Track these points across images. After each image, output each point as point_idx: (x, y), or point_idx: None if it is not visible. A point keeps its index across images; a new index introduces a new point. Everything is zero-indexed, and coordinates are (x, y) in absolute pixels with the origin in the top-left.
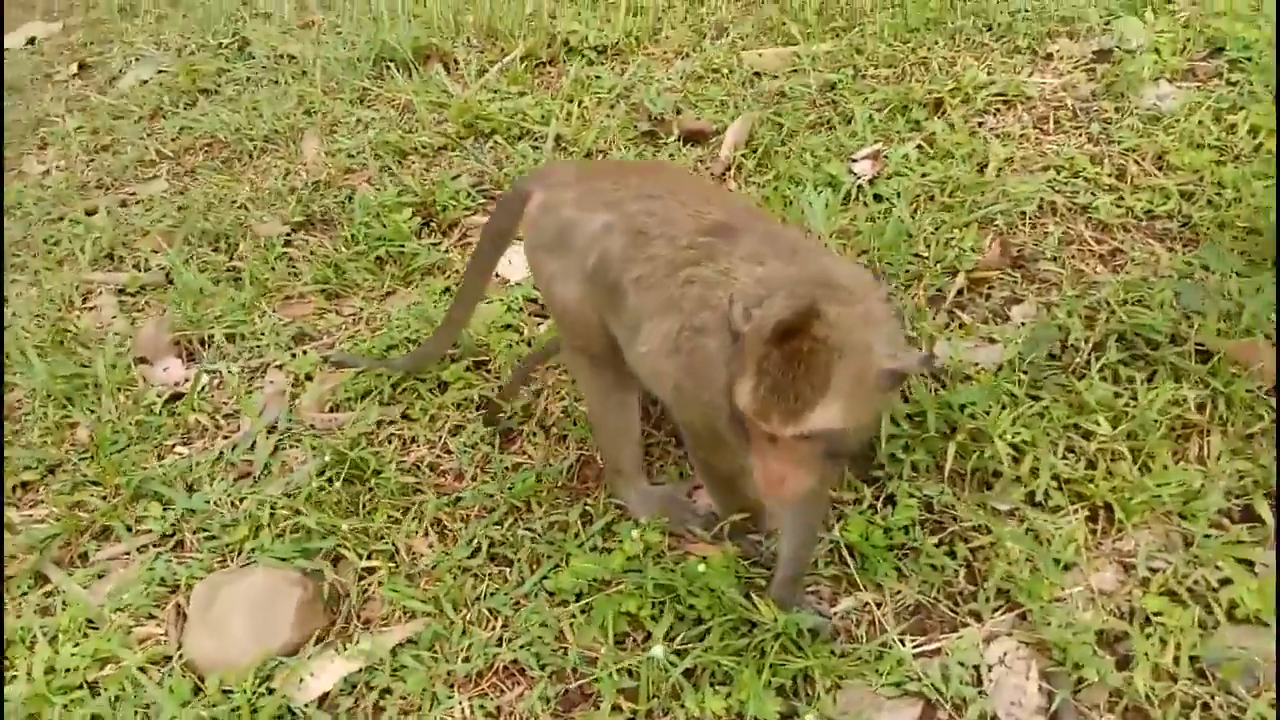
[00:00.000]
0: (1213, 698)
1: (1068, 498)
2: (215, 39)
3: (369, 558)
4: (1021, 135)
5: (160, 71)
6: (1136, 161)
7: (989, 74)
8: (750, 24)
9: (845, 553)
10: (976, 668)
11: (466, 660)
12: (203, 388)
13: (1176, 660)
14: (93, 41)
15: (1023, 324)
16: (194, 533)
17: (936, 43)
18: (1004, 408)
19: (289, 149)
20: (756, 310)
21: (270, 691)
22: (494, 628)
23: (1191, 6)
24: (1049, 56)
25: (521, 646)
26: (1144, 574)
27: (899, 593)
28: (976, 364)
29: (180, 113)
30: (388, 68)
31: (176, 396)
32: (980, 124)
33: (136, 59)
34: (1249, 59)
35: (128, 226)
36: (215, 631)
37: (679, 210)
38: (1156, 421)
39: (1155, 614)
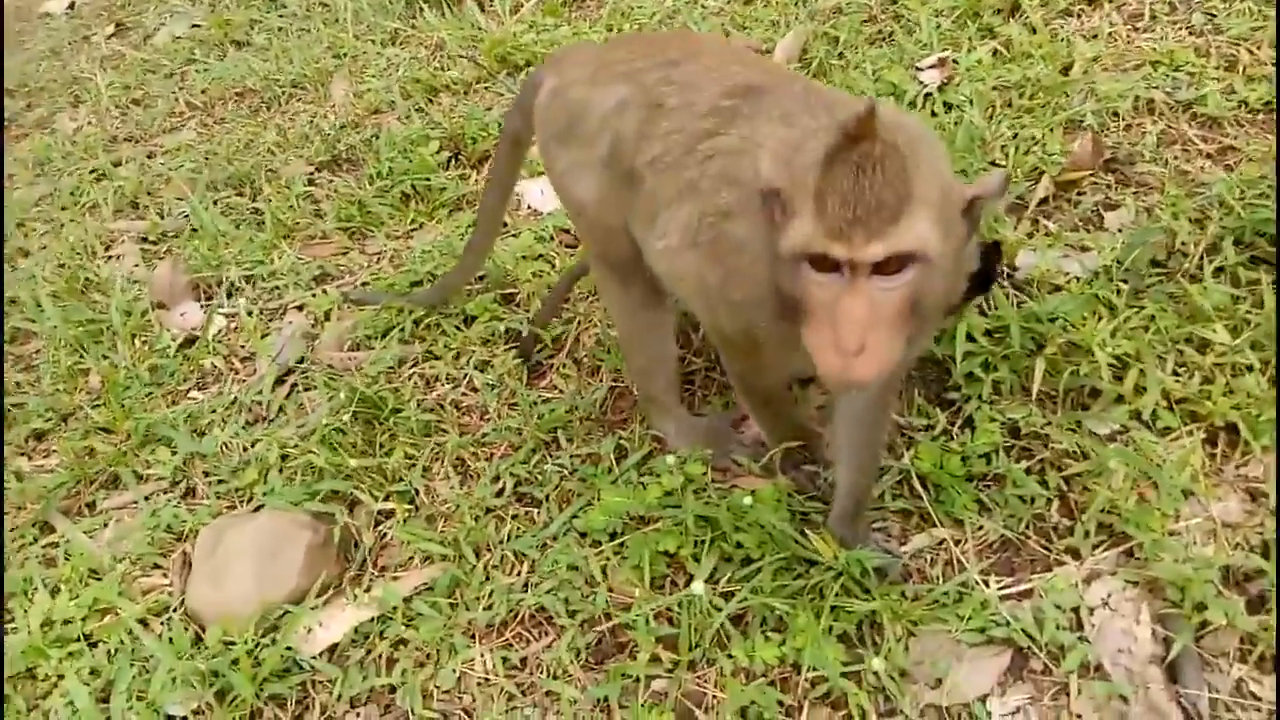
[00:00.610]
0: None
1: (1180, 418)
2: None
3: (385, 499)
4: (1111, 34)
5: (194, 26)
6: (1250, 50)
7: None
8: None
9: (917, 484)
10: (1075, 610)
11: (489, 608)
12: (219, 331)
13: None
14: (130, 3)
15: (1120, 230)
16: (203, 478)
17: None
18: (1100, 319)
19: (318, 93)
20: (793, 159)
21: (274, 643)
22: (519, 572)
23: None
24: None
25: (548, 591)
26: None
27: (981, 528)
28: (1067, 274)
29: (211, 64)
30: (421, 9)
31: (192, 341)
32: (1062, 25)
33: (171, 15)
34: None
35: (153, 176)
36: (217, 579)
37: (702, 75)
38: None
39: None
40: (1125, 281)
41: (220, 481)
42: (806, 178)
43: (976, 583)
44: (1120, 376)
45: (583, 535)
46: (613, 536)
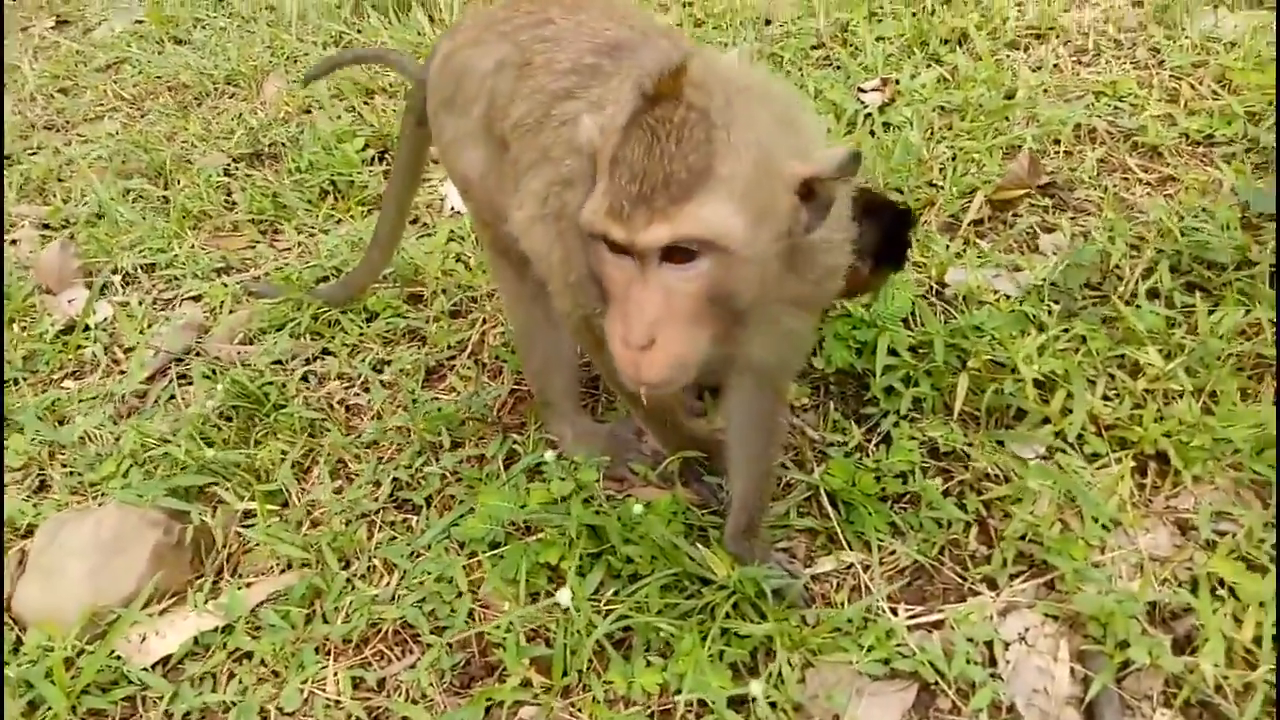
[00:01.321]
0: None
1: (1109, 444)
2: None
3: (250, 499)
4: (1056, 65)
5: (137, 22)
6: (1192, 85)
7: (1020, 11)
8: None
9: (826, 503)
10: (989, 645)
11: (346, 621)
12: (105, 320)
13: (1257, 641)
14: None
15: (1054, 252)
16: (59, 470)
17: None
18: (1028, 336)
19: (250, 90)
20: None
21: (98, 651)
22: (386, 583)
23: None
24: None
25: (414, 604)
26: (1208, 536)
27: (893, 552)
28: (997, 292)
29: (146, 58)
30: (367, 14)
31: (73, 329)
32: (1008, 56)
33: (113, 10)
34: None
35: (64, 162)
36: (48, 578)
37: (573, 31)
38: (1222, 355)
39: (1225, 582)
40: (1057, 302)
41: (74, 474)
42: (607, 143)
43: (883, 610)
44: (1047, 399)
45: (462, 546)
46: (493, 547)
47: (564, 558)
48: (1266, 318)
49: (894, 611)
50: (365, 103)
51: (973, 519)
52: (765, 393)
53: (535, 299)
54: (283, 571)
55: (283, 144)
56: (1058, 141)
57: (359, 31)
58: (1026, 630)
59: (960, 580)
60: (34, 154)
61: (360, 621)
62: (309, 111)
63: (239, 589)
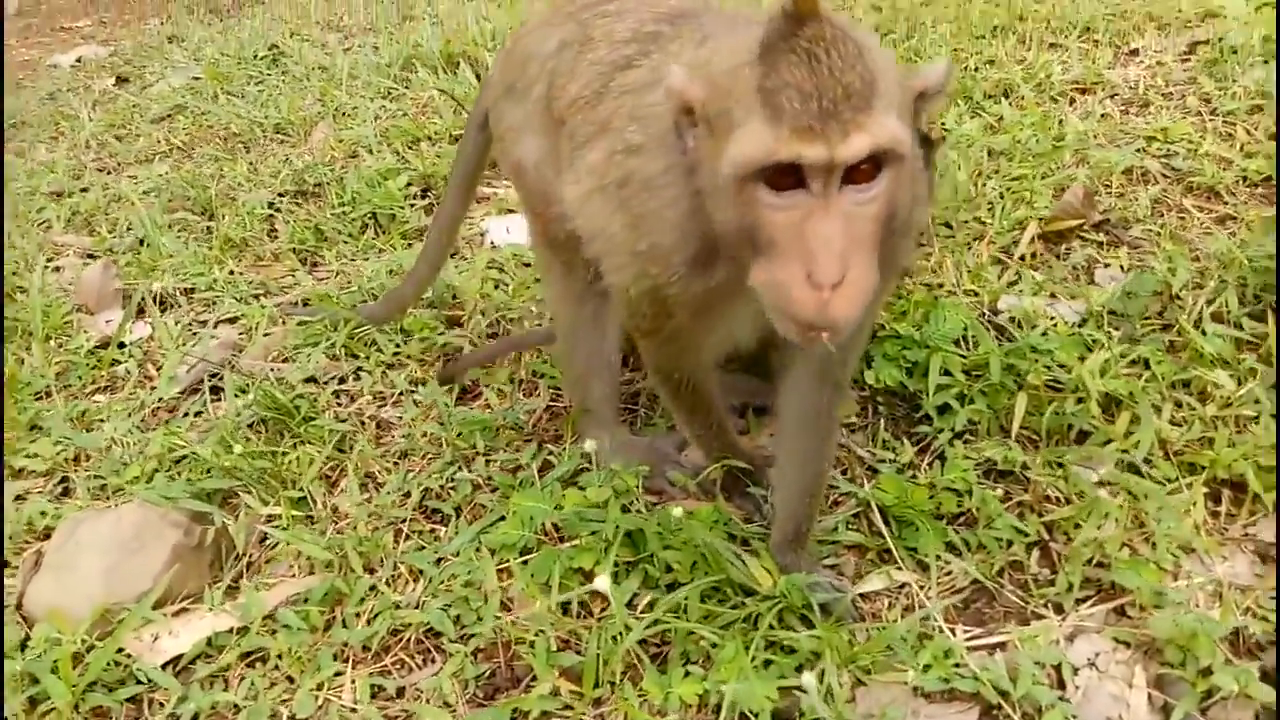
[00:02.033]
0: None
1: (1178, 469)
2: (251, 51)
3: (275, 504)
4: (1104, 115)
5: (194, 78)
6: (1247, 130)
7: (1064, 67)
8: None
9: (877, 518)
10: (1057, 669)
11: (368, 625)
12: (142, 339)
13: None
14: (134, 59)
15: (1112, 284)
16: (83, 475)
17: (1005, 43)
18: (1088, 358)
19: (299, 137)
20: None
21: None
22: (411, 589)
23: None
24: (1134, 52)
25: (439, 609)
26: None
27: (949, 572)
28: (1053, 318)
29: (199, 109)
30: (415, 69)
31: (108, 345)
32: (1055, 108)
33: (172, 68)
34: None
35: (112, 197)
36: (61, 573)
37: (635, 4)
38: None
39: None
40: (1116, 328)
41: (98, 478)
42: (739, 82)
43: (940, 628)
44: (1111, 419)
45: (491, 553)
46: (524, 553)
47: (599, 563)
48: None
49: (952, 631)
50: (410, 147)
51: (1034, 541)
52: (825, 387)
53: (582, 297)
54: (304, 575)
55: (327, 182)
56: (1109, 184)
57: (407, 86)
58: (1097, 655)
59: (1023, 603)
60: (85, 191)
61: (382, 627)
62: (356, 155)
63: (258, 589)
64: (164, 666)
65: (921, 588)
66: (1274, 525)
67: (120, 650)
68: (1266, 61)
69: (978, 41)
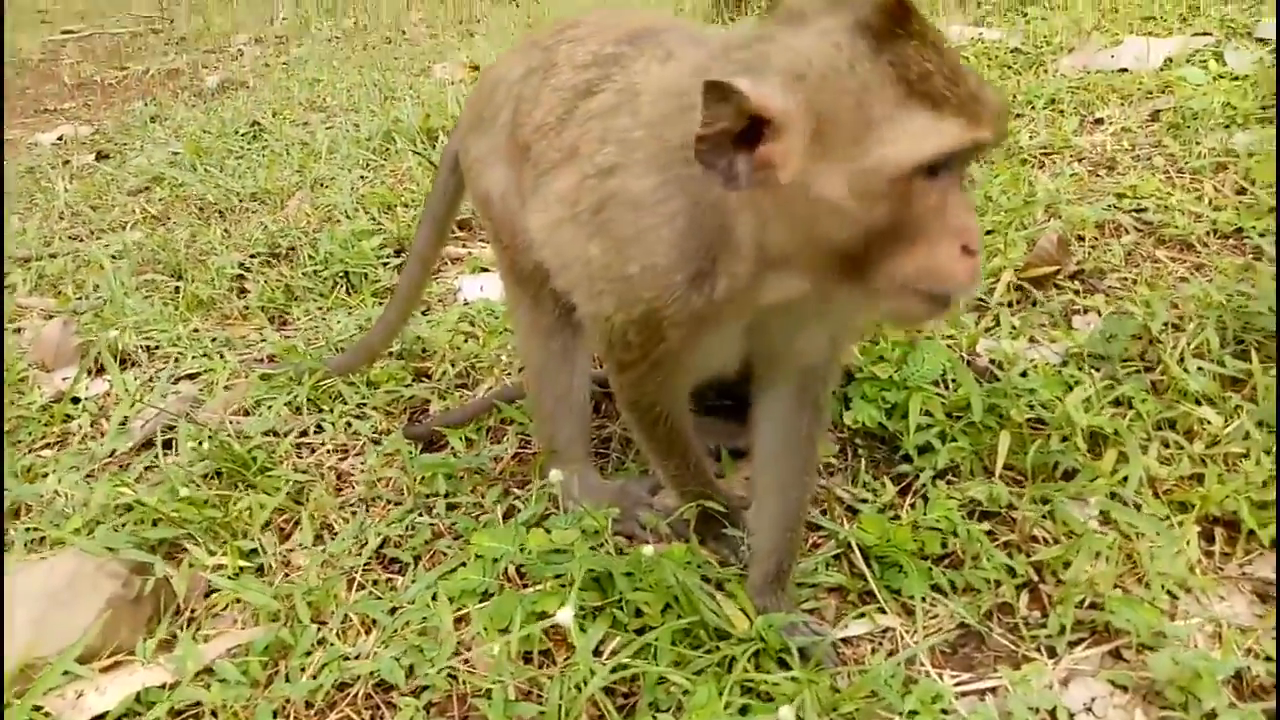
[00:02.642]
0: None
1: (1169, 507)
2: (232, 128)
3: (222, 555)
4: (1074, 175)
5: (174, 153)
6: (1215, 187)
7: (1032, 134)
8: None
9: (859, 559)
10: (1052, 712)
11: (314, 679)
12: (99, 395)
13: None
14: (115, 137)
15: (1090, 328)
16: (22, 528)
17: None
18: (1069, 394)
19: (274, 205)
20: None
21: (32, 704)
22: (361, 641)
23: (1255, 67)
24: (1099, 120)
25: (392, 659)
26: None
27: (934, 615)
28: (1033, 360)
29: (176, 179)
30: (394, 142)
31: (62, 399)
32: (1024, 170)
33: (152, 144)
34: None
35: (82, 262)
36: None
37: (596, 28)
38: None
39: None
40: (1098, 369)
41: (35, 530)
42: (855, 81)
43: (928, 672)
44: (1097, 456)
45: (450, 600)
46: (485, 598)
47: (563, 604)
48: None
49: (939, 676)
50: (385, 212)
51: (1023, 581)
52: (805, 409)
53: (551, 332)
54: (248, 628)
55: (300, 245)
56: (1081, 236)
57: (386, 158)
58: (1093, 700)
59: (1013, 646)
60: (53, 256)
61: (328, 680)
62: (331, 220)
63: (196, 641)
64: None
65: (907, 632)
66: (1272, 563)
67: (39, 709)
68: (1228, 126)
69: None
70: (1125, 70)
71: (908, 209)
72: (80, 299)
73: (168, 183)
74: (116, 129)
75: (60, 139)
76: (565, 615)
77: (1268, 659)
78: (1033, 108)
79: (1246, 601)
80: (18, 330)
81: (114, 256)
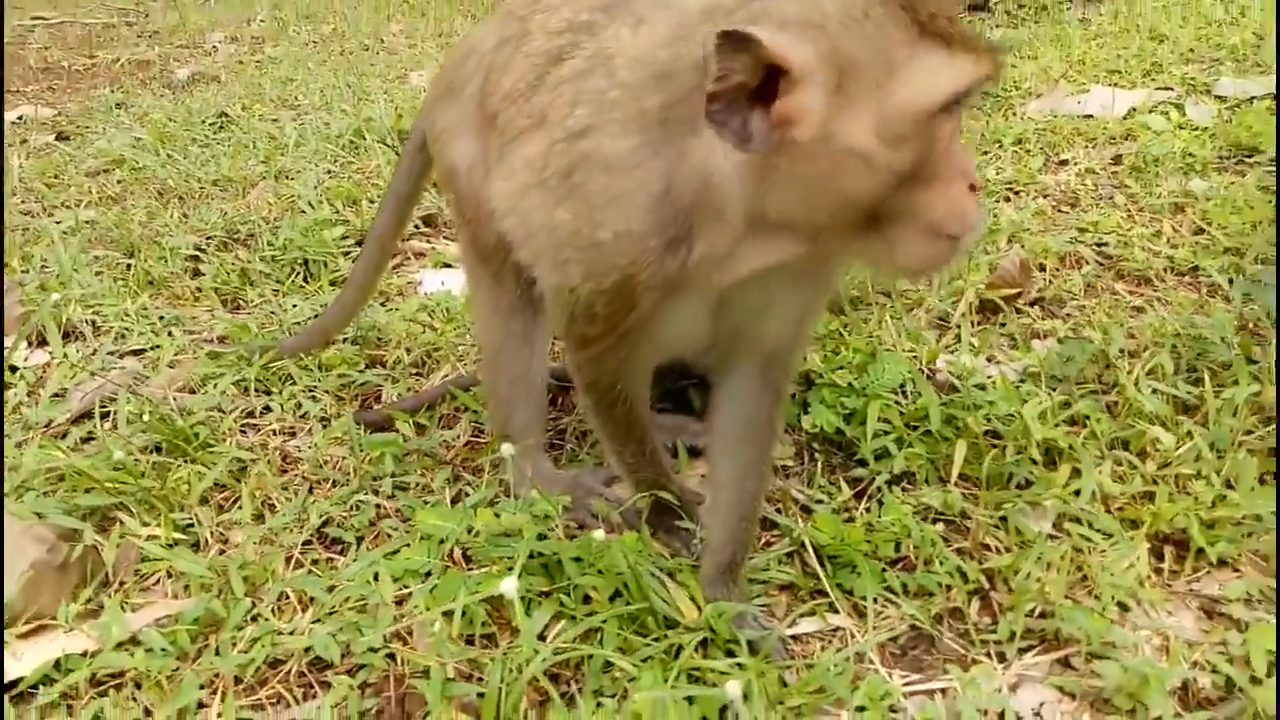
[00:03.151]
0: None
1: (1120, 523)
2: (199, 118)
3: (156, 526)
4: (1038, 211)
5: (136, 138)
6: (1174, 228)
7: (999, 170)
8: None
9: (812, 558)
10: (1000, 715)
11: (245, 653)
12: (39, 365)
13: None
14: (78, 119)
15: (1048, 349)
16: None
17: None
18: (1027, 404)
19: (236, 193)
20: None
21: None
22: (298, 618)
23: (1213, 120)
24: (1064, 161)
25: (328, 634)
26: (1242, 617)
27: (885, 616)
28: (991, 376)
29: (136, 162)
30: (364, 138)
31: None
32: (991, 203)
33: (115, 129)
34: None
35: (31, 236)
36: None
37: None
38: (1236, 435)
39: (1269, 654)
40: (1054, 388)
41: None
42: (870, 28)
43: (877, 670)
44: (1052, 469)
45: (393, 580)
46: (428, 578)
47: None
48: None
49: (889, 675)
50: (350, 205)
51: (975, 588)
52: (766, 391)
53: (511, 311)
54: (179, 599)
55: (259, 232)
56: (1043, 265)
57: (354, 155)
58: (1041, 705)
59: (963, 650)
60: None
61: (260, 655)
62: (294, 210)
63: (123, 609)
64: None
65: (857, 631)
66: (1219, 580)
67: None
68: (1186, 172)
69: None
70: (1091, 116)
71: (930, 149)
72: (26, 271)
73: (128, 166)
74: (79, 112)
75: (20, 118)
76: (509, 585)
77: (1214, 671)
78: (1000, 146)
79: (1194, 617)
80: None
81: (65, 232)
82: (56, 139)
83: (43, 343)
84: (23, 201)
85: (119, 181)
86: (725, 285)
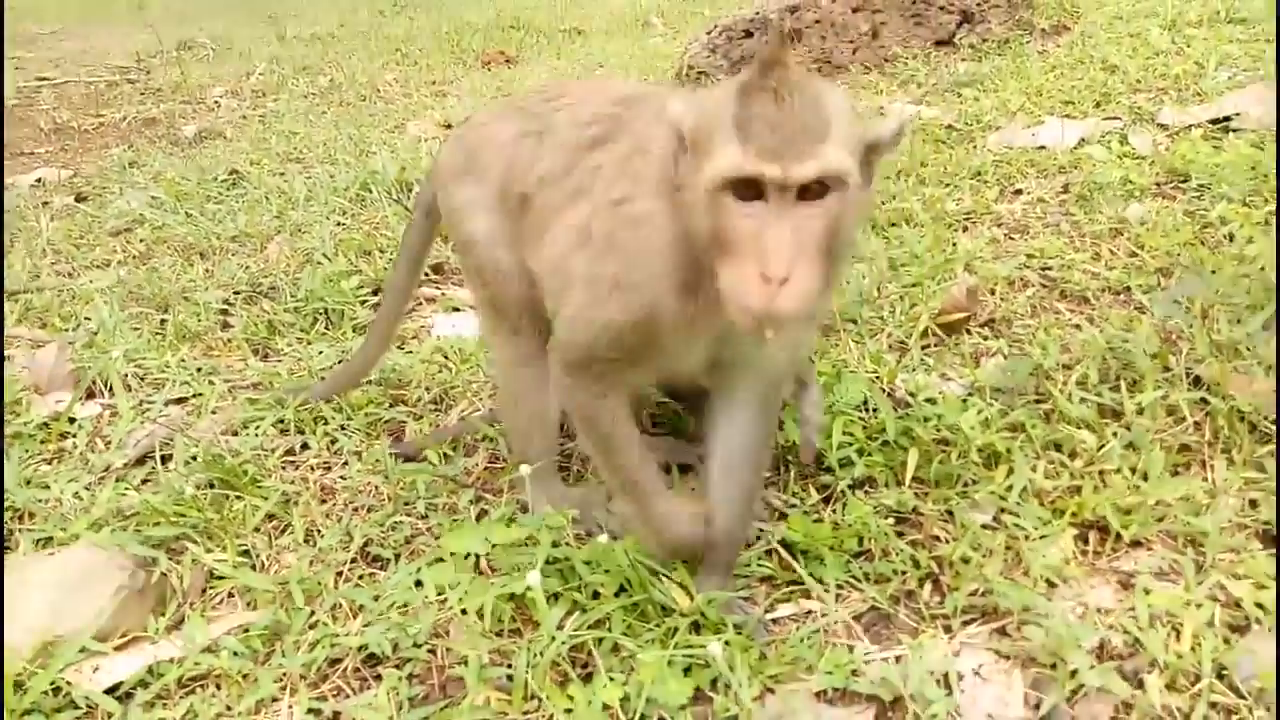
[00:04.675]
0: (1251, 711)
1: (1051, 513)
2: (211, 175)
3: (220, 551)
4: (992, 239)
5: (153, 197)
6: (1111, 251)
7: (957, 202)
8: None
9: (785, 553)
10: (945, 676)
11: (308, 652)
12: (92, 416)
13: (1198, 672)
14: (94, 180)
15: (992, 369)
16: (26, 531)
17: (906, 182)
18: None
19: (255, 248)
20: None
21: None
22: (350, 624)
23: (1153, 149)
24: (1018, 191)
25: (379, 634)
26: (1149, 587)
27: (848, 598)
28: (943, 392)
29: (157, 221)
30: (371, 191)
31: (59, 419)
32: (949, 232)
33: (131, 188)
34: (1214, 182)
35: (69, 296)
36: (3, 612)
37: (585, 94)
38: (1151, 435)
39: (1169, 615)
40: (995, 401)
41: (43, 533)
42: (720, 113)
43: (841, 642)
44: (991, 471)
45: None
46: (459, 585)
47: (529, 588)
48: (1184, 399)
49: (851, 649)
50: (363, 256)
51: (926, 574)
52: (762, 417)
53: (529, 359)
54: (247, 611)
55: (282, 285)
56: (994, 290)
57: (362, 206)
58: (980, 665)
59: (915, 625)
60: (40, 290)
61: (321, 654)
62: (311, 262)
63: (203, 617)
64: (104, 694)
65: (825, 613)
66: (1135, 559)
67: (60, 678)
68: (1126, 198)
69: (885, 181)
70: (1043, 148)
71: (723, 223)
72: (68, 329)
73: (149, 224)
74: (95, 173)
75: (39, 181)
76: (534, 577)
77: (1125, 631)
78: (960, 178)
79: (1112, 590)
80: (7, 358)
81: (101, 291)
82: (76, 200)
83: (90, 395)
84: (54, 262)
85: (142, 240)
86: (728, 321)
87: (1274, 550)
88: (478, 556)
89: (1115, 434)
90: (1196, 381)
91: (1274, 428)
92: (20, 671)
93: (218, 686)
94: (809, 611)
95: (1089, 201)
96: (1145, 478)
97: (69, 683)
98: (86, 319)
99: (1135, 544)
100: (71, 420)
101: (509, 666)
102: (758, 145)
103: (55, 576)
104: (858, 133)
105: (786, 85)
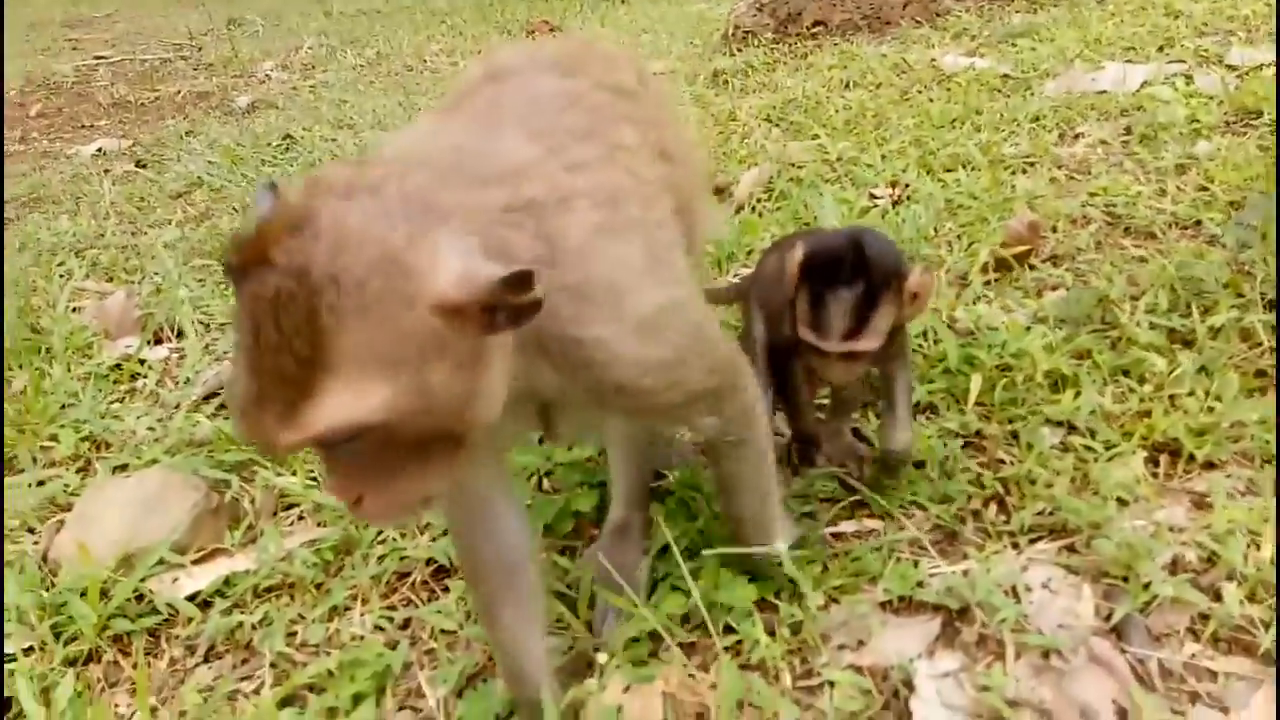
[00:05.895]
0: None
1: (1120, 436)
2: (265, 141)
3: (290, 475)
4: (1052, 180)
5: (210, 162)
6: (1179, 187)
7: (1015, 146)
8: (777, 132)
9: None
10: (1014, 588)
11: (378, 564)
12: (161, 359)
13: None
14: (153, 147)
15: (1055, 299)
16: (102, 458)
17: (955, 131)
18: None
19: None
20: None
21: (130, 577)
22: (417, 539)
23: (1222, 88)
24: (1078, 135)
25: (445, 547)
26: (1225, 505)
27: (913, 516)
28: (1004, 322)
29: (216, 183)
30: None
31: (129, 361)
32: (1007, 175)
33: (188, 155)
34: None
35: (134, 252)
36: (85, 525)
37: None
38: (1224, 358)
39: (1248, 530)
40: (1059, 329)
41: (119, 461)
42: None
43: (906, 557)
44: (1058, 395)
45: None
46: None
47: (596, 505)
48: (1260, 321)
49: (916, 563)
50: None
51: (991, 494)
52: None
53: None
54: (318, 527)
55: None
56: (1055, 228)
57: None
58: (1049, 579)
59: (981, 542)
60: (106, 247)
61: (390, 566)
62: None
63: (276, 529)
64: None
65: (889, 531)
66: (1209, 479)
67: (141, 585)
68: (1192, 136)
69: (937, 131)
70: (1104, 92)
71: None
72: (133, 282)
73: (207, 186)
74: (153, 142)
75: (100, 150)
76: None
77: (1200, 545)
78: (1017, 124)
79: (1184, 509)
80: (76, 310)
81: (164, 245)
82: (136, 166)
83: (158, 341)
84: (119, 222)
85: (202, 201)
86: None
87: None
88: (541, 475)
89: (1187, 359)
90: (1271, 305)
91: None
92: (105, 580)
93: (291, 596)
94: (872, 530)
95: (1153, 141)
96: (1219, 400)
97: (151, 591)
98: (154, 273)
99: (1209, 465)
100: (142, 362)
101: (570, 587)
102: (239, 403)
103: (133, 495)
104: (419, 303)
105: (263, 304)
